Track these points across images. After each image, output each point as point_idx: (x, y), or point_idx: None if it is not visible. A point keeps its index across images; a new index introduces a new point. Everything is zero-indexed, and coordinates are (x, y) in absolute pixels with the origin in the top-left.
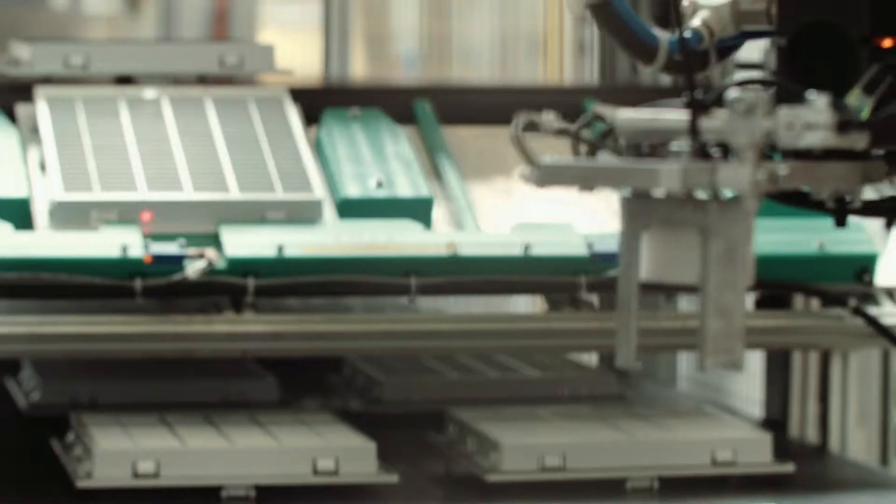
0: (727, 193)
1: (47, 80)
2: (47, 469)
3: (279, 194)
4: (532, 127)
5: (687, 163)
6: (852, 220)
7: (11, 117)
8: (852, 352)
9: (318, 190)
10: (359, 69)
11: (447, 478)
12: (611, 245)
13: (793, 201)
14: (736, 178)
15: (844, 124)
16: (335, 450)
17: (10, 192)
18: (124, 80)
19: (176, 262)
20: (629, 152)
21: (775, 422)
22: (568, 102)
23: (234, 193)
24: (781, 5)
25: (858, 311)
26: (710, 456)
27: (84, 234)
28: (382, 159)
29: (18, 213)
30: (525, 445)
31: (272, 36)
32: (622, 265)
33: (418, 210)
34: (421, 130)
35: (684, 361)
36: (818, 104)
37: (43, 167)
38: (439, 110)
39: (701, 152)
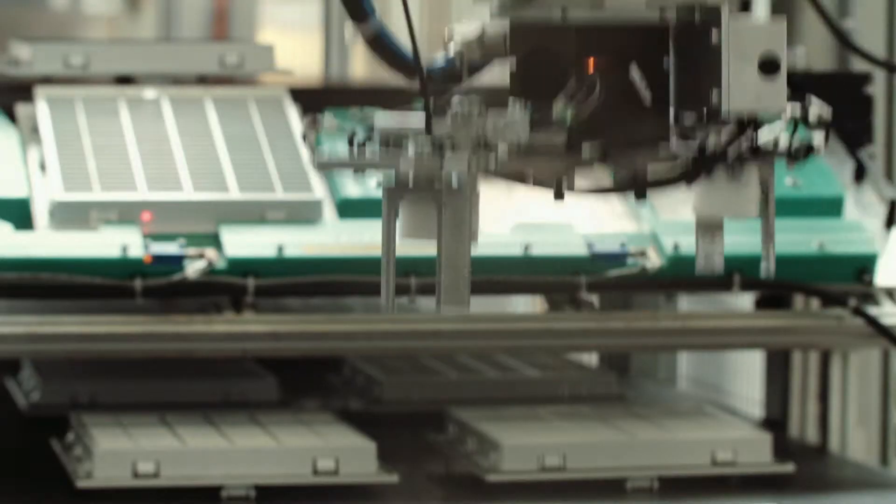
0: (454, 177)
1: (47, 80)
2: (47, 469)
3: (279, 194)
4: (313, 122)
5: (422, 153)
6: (852, 219)
7: (11, 117)
8: (852, 352)
9: (318, 190)
10: (359, 69)
11: (447, 478)
12: (611, 245)
13: (519, 181)
14: (457, 165)
15: (537, 124)
16: (335, 450)
17: (10, 192)
18: (124, 80)
19: (176, 262)
20: (388, 146)
21: (775, 422)
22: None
23: (234, 193)
24: (512, 35)
25: (858, 311)
26: (710, 456)
27: (84, 234)
28: None
29: (18, 213)
30: (525, 445)
31: (272, 36)
32: (384, 234)
33: None
34: None
35: (684, 361)
36: (516, 110)
37: (43, 167)
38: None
39: (438, 147)
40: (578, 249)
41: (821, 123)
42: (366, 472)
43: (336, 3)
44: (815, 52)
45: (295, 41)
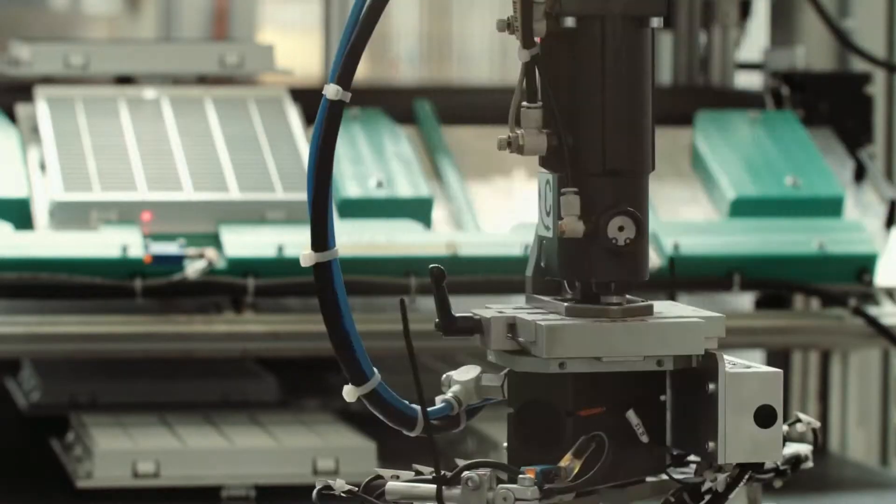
0: None
1: (47, 80)
2: (47, 469)
3: (279, 194)
4: (327, 489)
5: None
6: (852, 219)
7: (11, 117)
8: (852, 352)
9: None
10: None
11: None
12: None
13: None
14: None
15: (548, 492)
16: (335, 450)
17: (10, 192)
18: (124, 80)
19: (176, 262)
20: None
21: None
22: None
23: (234, 193)
24: (510, 384)
25: (858, 311)
26: None
27: (84, 234)
28: (382, 159)
29: (18, 213)
30: None
31: (272, 36)
32: None
33: (418, 210)
34: (421, 130)
35: None
36: (525, 482)
37: (43, 167)
38: (439, 110)
39: None
40: None
41: (807, 435)
42: (366, 473)
43: (336, 3)
44: (815, 52)
45: (295, 41)
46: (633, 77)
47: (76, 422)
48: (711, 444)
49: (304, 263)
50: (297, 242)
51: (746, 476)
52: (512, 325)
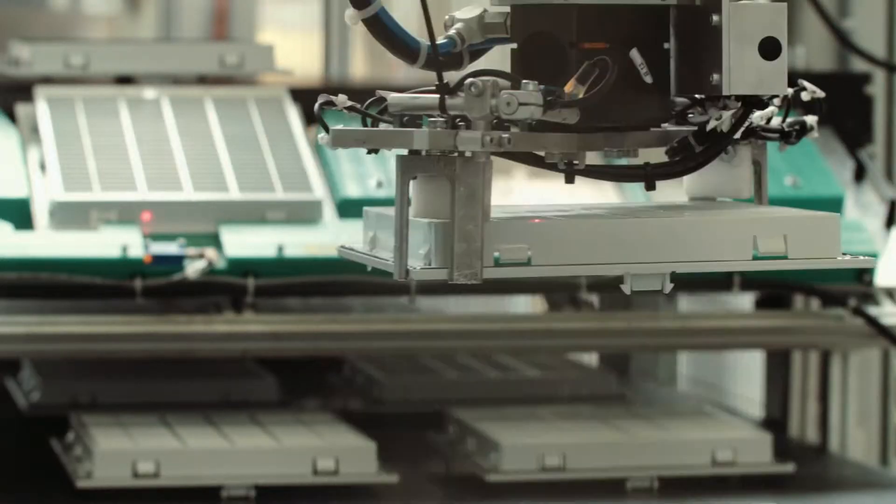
0: (468, 153)
1: (47, 80)
2: (47, 469)
3: (279, 194)
4: (329, 104)
5: (435, 129)
6: (852, 219)
7: (11, 117)
8: (852, 352)
9: (318, 190)
10: (359, 69)
11: (447, 478)
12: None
13: (530, 162)
14: (471, 141)
15: (551, 103)
16: (335, 450)
17: (10, 192)
18: (124, 80)
19: (176, 262)
20: (401, 124)
21: (775, 422)
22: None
23: (234, 193)
24: (513, 19)
25: (858, 311)
26: (710, 456)
27: (84, 234)
28: (382, 159)
29: (18, 213)
30: (525, 445)
31: (272, 36)
32: (397, 204)
33: None
34: None
35: (684, 361)
36: (529, 87)
37: (43, 167)
38: None
39: (451, 123)
40: None
41: (814, 103)
42: (366, 472)
43: (336, 4)
44: (815, 52)
45: (295, 41)
46: None
47: (76, 422)
48: (716, 77)
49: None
50: (297, 242)
51: (751, 114)
52: None
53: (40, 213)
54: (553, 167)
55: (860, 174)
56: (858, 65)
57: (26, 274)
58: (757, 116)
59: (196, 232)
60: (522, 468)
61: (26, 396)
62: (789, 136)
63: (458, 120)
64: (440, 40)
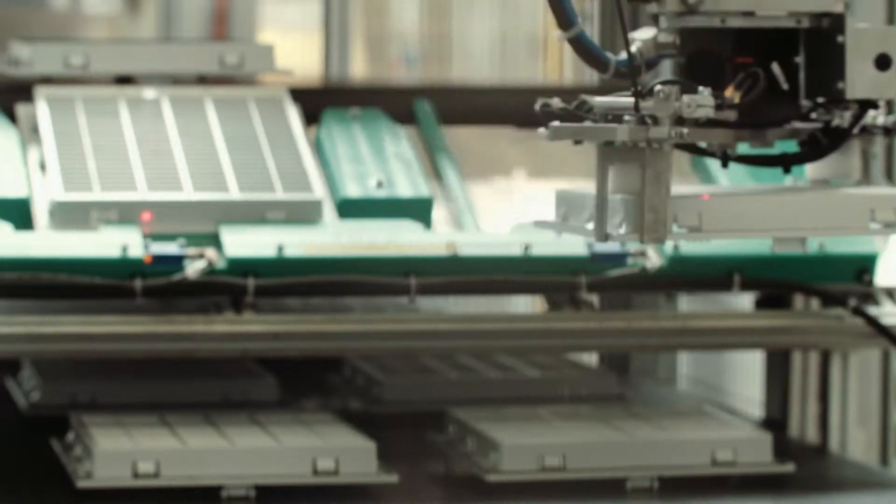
0: (655, 144)
1: (47, 80)
2: (47, 469)
3: (279, 194)
4: (546, 106)
5: (632, 125)
6: None
7: (11, 117)
8: (852, 352)
9: (318, 190)
10: (359, 69)
11: (447, 478)
12: (611, 245)
13: (696, 152)
14: (660, 134)
15: (719, 105)
16: (335, 450)
17: (10, 192)
18: (124, 80)
19: (176, 262)
20: (602, 121)
21: (775, 422)
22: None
23: (234, 193)
24: (682, 39)
25: (858, 311)
26: (710, 456)
27: (84, 234)
28: (382, 159)
29: (18, 213)
30: (525, 445)
31: (272, 36)
32: (598, 183)
33: (418, 210)
34: (421, 130)
35: (684, 361)
36: (704, 93)
37: (43, 167)
38: (439, 110)
39: (641, 121)
40: (578, 249)
41: None
42: (366, 472)
43: (336, 3)
44: None
45: (295, 41)
46: None
47: (76, 422)
48: (840, 84)
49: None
50: (297, 242)
51: (865, 115)
52: None
53: (40, 213)
54: (712, 155)
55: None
56: None
57: (26, 274)
58: (869, 116)
59: (196, 232)
60: (522, 468)
61: (26, 396)
62: (892, 132)
63: (646, 118)
64: (623, 56)
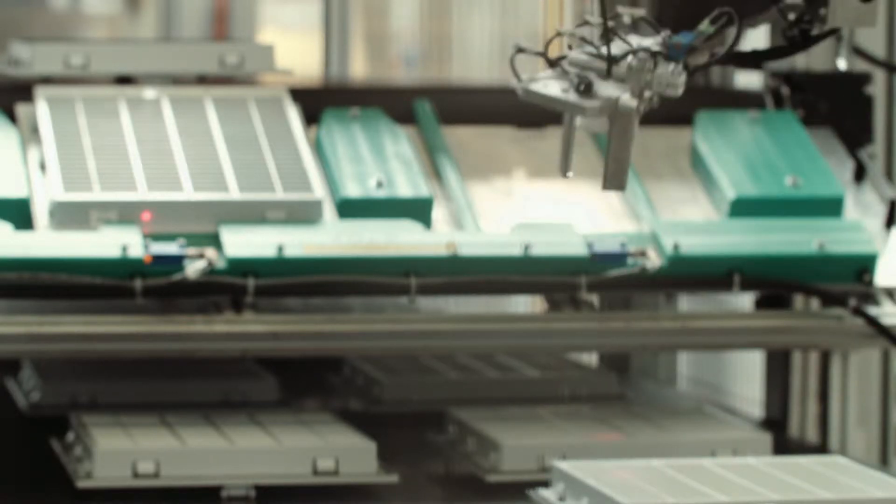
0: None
1: (47, 80)
2: (47, 469)
3: (279, 194)
4: (522, 50)
5: (600, 101)
6: (852, 219)
7: (11, 117)
8: (852, 352)
9: (318, 190)
10: (359, 69)
11: (447, 478)
12: (611, 245)
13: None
14: (626, 108)
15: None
16: (335, 450)
17: (10, 192)
18: (124, 80)
19: (176, 262)
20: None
21: (775, 422)
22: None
23: (234, 193)
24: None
25: (858, 311)
26: (710, 456)
27: (84, 234)
28: (382, 159)
29: (18, 213)
30: (525, 445)
31: (272, 36)
32: (564, 126)
33: (418, 210)
34: (421, 130)
35: (684, 361)
36: (678, 68)
37: (43, 167)
38: (439, 110)
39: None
40: (578, 249)
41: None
42: (366, 472)
43: (336, 3)
44: (815, 52)
45: (295, 41)
46: None
47: (76, 422)
48: None
49: None
50: (297, 242)
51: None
52: None
53: (40, 213)
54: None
55: (860, 174)
56: (858, 65)
57: (26, 274)
58: None
59: (196, 232)
60: (522, 468)
61: (26, 396)
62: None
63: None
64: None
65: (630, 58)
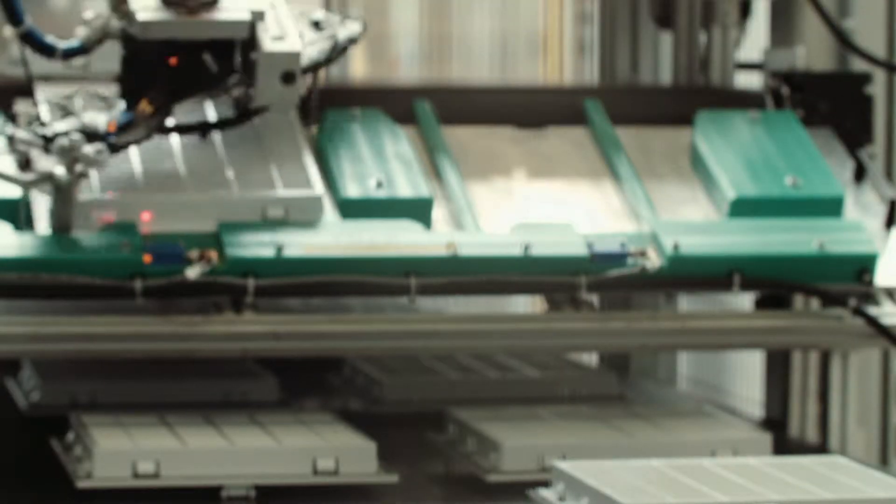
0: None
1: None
2: (47, 469)
3: (279, 193)
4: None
5: (32, 175)
6: (852, 219)
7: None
8: (852, 352)
9: (319, 189)
10: (359, 69)
11: (447, 478)
12: (611, 245)
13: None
14: (60, 179)
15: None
16: (335, 450)
17: (10, 192)
18: None
19: (176, 262)
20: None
21: (775, 422)
22: (568, 102)
23: (235, 193)
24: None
25: (858, 311)
26: (710, 456)
27: (84, 234)
28: (382, 159)
29: (19, 213)
30: (525, 445)
31: None
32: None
33: (418, 210)
34: (421, 130)
35: (684, 361)
36: (101, 148)
37: None
38: (439, 110)
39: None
40: (578, 249)
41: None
42: (366, 472)
43: (336, 3)
44: (815, 52)
45: None
46: None
47: (76, 422)
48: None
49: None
50: (296, 242)
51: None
52: None
53: (40, 214)
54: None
55: (860, 174)
56: (858, 65)
57: (26, 274)
58: None
59: (196, 232)
60: (522, 468)
61: (26, 396)
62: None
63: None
64: (73, 43)
65: (57, 141)
